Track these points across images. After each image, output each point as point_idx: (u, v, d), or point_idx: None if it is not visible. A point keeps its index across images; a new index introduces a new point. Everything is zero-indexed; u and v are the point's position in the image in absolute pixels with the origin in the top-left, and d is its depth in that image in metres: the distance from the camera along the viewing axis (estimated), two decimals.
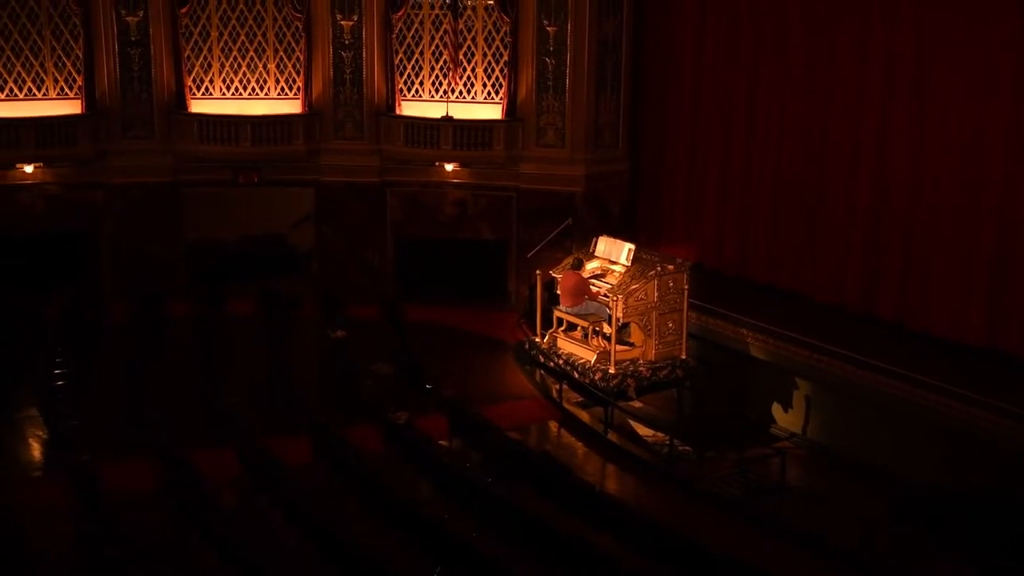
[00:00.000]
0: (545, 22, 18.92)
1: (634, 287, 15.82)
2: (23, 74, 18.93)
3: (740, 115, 18.01)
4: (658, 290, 15.94)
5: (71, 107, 19.08)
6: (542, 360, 16.73)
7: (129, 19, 18.94)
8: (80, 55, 18.99)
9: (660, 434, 14.83)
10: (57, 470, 12.43)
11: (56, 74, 19.13)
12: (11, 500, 11.16)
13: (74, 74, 19.14)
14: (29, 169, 18.78)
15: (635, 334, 16.21)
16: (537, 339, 17.03)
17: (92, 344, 16.19)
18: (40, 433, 13.95)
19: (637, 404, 15.80)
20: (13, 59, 18.84)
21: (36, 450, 13.76)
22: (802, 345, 15.45)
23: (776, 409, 15.65)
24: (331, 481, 12.37)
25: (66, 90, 19.20)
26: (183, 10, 19.21)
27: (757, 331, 16.11)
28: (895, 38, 15.68)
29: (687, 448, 14.38)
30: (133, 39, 19.01)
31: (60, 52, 19.07)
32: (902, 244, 15.82)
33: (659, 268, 16.01)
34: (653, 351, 16.03)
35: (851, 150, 16.40)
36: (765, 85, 17.58)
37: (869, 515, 12.98)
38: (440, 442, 13.54)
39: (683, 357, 16.25)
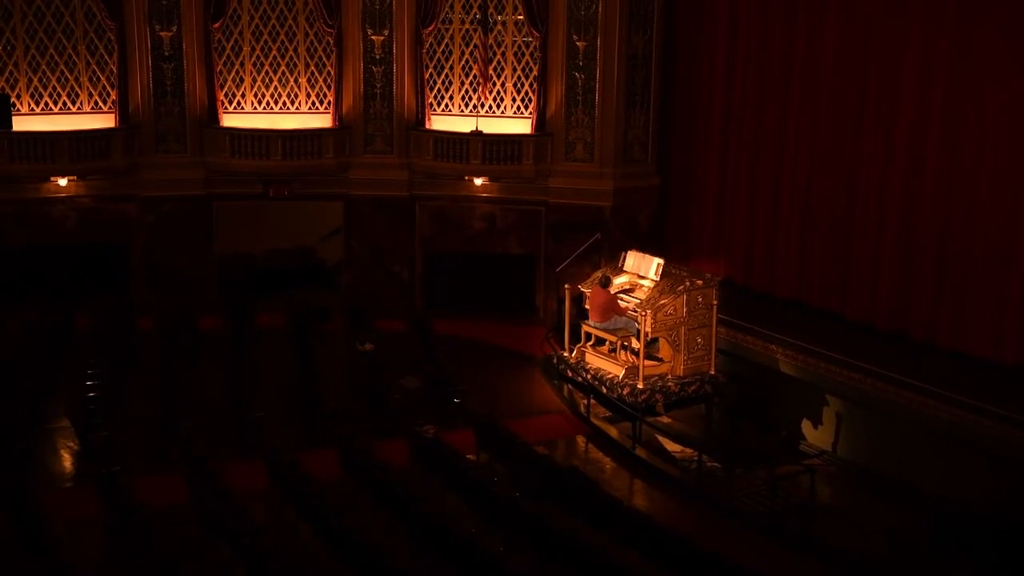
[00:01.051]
0: (575, 37, 18.97)
1: (663, 302, 15.79)
2: (58, 88, 19.17)
3: (770, 130, 17.94)
4: (687, 305, 15.91)
5: (105, 121, 19.30)
6: (570, 375, 16.72)
7: (163, 34, 19.14)
8: (114, 69, 19.20)
9: (688, 450, 14.76)
10: (88, 481, 12.51)
11: (91, 88, 19.35)
12: (43, 510, 11.22)
13: (108, 88, 19.36)
14: (63, 182, 18.99)
15: (664, 349, 16.18)
16: (565, 354, 17.02)
17: (123, 356, 16.30)
18: (72, 444, 14.08)
19: (665, 419, 15.75)
20: (49, 73, 19.06)
21: (68, 461, 13.88)
22: (832, 362, 15.37)
23: (806, 426, 15.55)
24: (359, 494, 12.39)
25: (100, 104, 19.41)
26: (216, 25, 19.39)
27: (786, 347, 16.04)
28: (929, 55, 15.58)
29: (716, 464, 14.32)
30: (166, 54, 19.21)
31: (95, 67, 19.29)
32: (934, 261, 15.69)
33: (688, 283, 15.98)
34: (682, 366, 15.98)
35: (883, 166, 16.31)
36: (796, 101, 17.50)
37: (899, 534, 12.87)
38: (467, 456, 13.53)
39: (712, 372, 16.20)
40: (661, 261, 16.49)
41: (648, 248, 17.45)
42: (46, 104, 19.16)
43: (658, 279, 16.25)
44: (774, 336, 16.31)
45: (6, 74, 18.81)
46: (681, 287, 15.92)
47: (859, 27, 16.48)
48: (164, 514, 11.48)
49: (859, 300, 16.70)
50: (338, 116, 19.90)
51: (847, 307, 16.85)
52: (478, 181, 19.65)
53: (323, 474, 12.46)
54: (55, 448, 14.09)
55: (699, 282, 16.10)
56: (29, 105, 19.02)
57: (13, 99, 18.68)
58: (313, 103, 20.14)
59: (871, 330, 16.34)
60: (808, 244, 17.48)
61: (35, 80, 19.02)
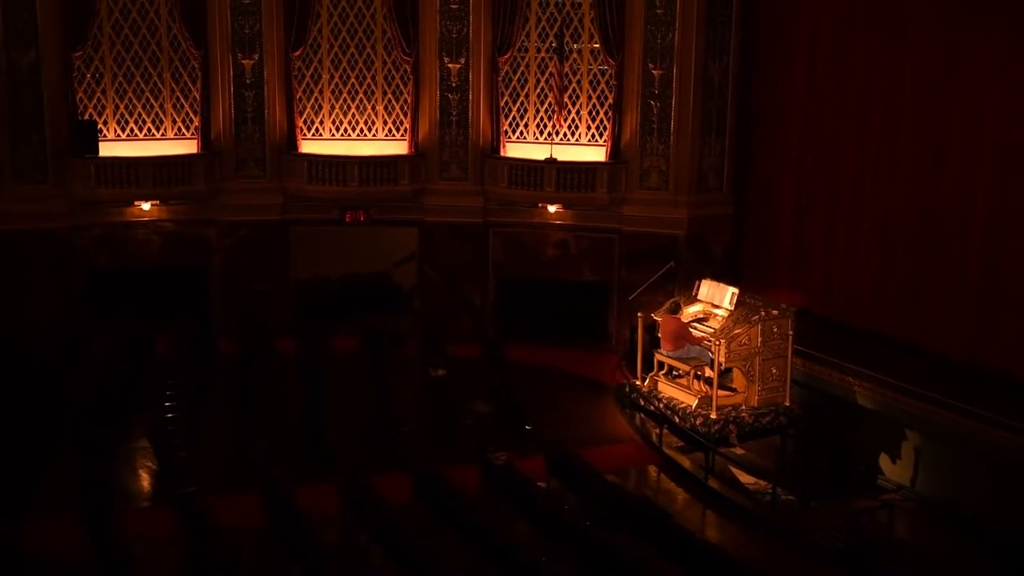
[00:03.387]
0: (651, 65, 18.97)
1: (737, 331, 15.64)
2: (143, 115, 19.65)
3: (848, 159, 17.74)
4: (762, 335, 15.74)
5: (187, 147, 19.74)
6: (642, 403, 16.63)
7: (245, 62, 19.54)
8: (197, 97, 19.65)
9: (762, 482, 14.59)
10: (166, 501, 12.72)
11: (174, 115, 19.81)
12: (122, 528, 11.44)
13: (191, 115, 19.80)
14: (146, 206, 19.43)
15: (738, 379, 16.02)
16: (637, 382, 16.94)
17: (202, 378, 16.57)
18: (151, 464, 14.34)
19: (739, 451, 15.58)
20: (135, 100, 19.56)
21: (147, 480, 14.13)
22: (910, 395, 15.07)
23: (884, 460, 15.27)
24: (430, 519, 12.43)
25: (183, 130, 19.86)
26: (296, 53, 19.74)
27: (864, 379, 15.77)
28: (1014, 84, 15.30)
29: (790, 497, 14.11)
30: (248, 81, 19.61)
31: (179, 94, 19.76)
32: (1015, 293, 15.34)
33: (763, 313, 15.82)
34: (756, 397, 15.81)
35: (964, 195, 16.01)
36: (875, 130, 17.29)
37: (978, 572, 12.55)
38: (538, 483, 13.50)
39: (787, 404, 16.00)
40: (736, 290, 16.35)
41: (722, 277, 17.32)
42: (131, 130, 19.66)
43: (732, 308, 16.11)
44: (851, 368, 16.07)
45: (94, 101, 19.35)
46: (756, 317, 15.76)
47: (940, 59, 16.23)
48: (239, 535, 11.62)
49: (938, 331, 16.37)
50: (414, 143, 20.12)
51: (925, 338, 16.52)
52: (552, 208, 19.69)
53: (395, 498, 12.52)
54: (134, 467, 14.36)
55: (774, 312, 15.93)
56: (115, 131, 19.53)
57: (100, 125, 19.22)
58: (390, 130, 20.39)
59: (949, 362, 16.00)
60: (886, 274, 17.21)
61: (121, 107, 19.53)
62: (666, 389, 16.35)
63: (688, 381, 16.10)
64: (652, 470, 15.32)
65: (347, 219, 20.04)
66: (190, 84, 19.71)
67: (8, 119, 18.49)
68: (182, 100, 19.79)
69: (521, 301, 20.10)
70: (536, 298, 19.98)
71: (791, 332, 15.96)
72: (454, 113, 19.90)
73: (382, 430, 15.01)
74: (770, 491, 14.07)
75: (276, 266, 20.05)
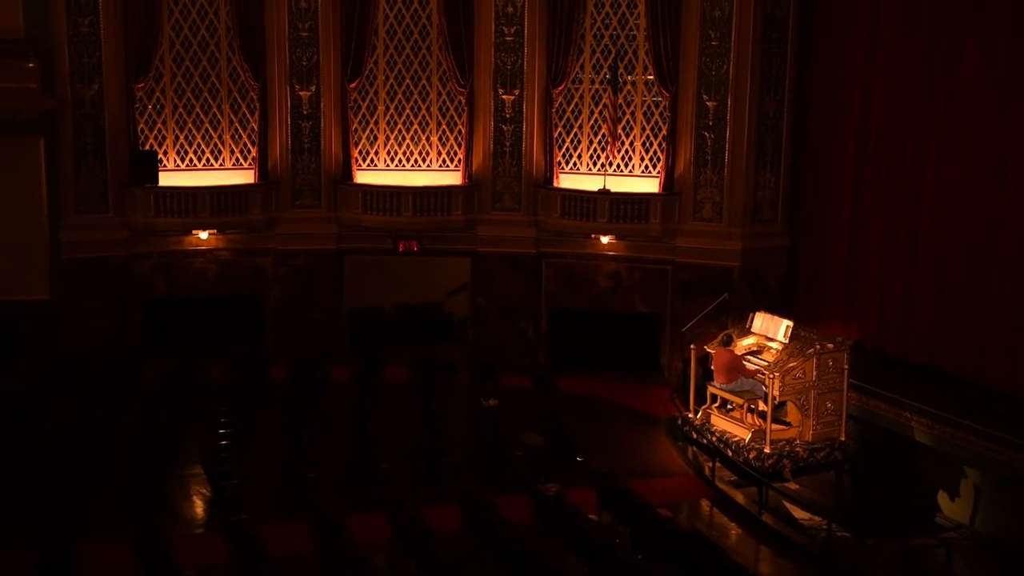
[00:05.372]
0: (705, 97, 18.93)
1: (791, 365, 15.48)
2: (202, 145, 19.98)
3: (905, 192, 17.53)
4: (817, 369, 15.56)
5: (245, 177, 20.03)
6: (695, 436, 16.49)
7: (302, 93, 19.81)
8: (255, 128, 19.94)
9: (817, 518, 14.37)
10: (218, 528, 12.81)
11: (232, 145, 20.12)
12: (175, 554, 11.53)
13: (249, 145, 20.09)
14: (204, 235, 19.70)
15: (792, 413, 15.83)
16: (690, 415, 16.81)
17: (255, 405, 16.72)
18: (204, 490, 14.46)
19: (793, 485, 15.38)
20: (194, 131, 19.90)
21: (200, 507, 14.25)
22: (968, 430, 14.79)
23: (942, 497, 14.98)
24: (480, 550, 12.38)
25: (241, 161, 20.15)
26: (352, 85, 19.98)
27: (921, 414, 15.51)
28: None
29: (846, 534, 13.88)
30: (305, 112, 19.87)
31: (237, 125, 20.08)
32: None
33: (818, 346, 15.64)
34: (810, 431, 15.61)
35: (1022, 228, 15.76)
36: (932, 162, 17.08)
37: None
38: (589, 516, 13.42)
39: (842, 439, 15.77)
40: (790, 323, 16.20)
41: (777, 309, 17.15)
42: (191, 160, 19.99)
43: (787, 341, 15.96)
44: (907, 403, 15.80)
45: (155, 131, 19.71)
46: (811, 350, 15.59)
47: (997, 93, 16.02)
48: (289, 562, 11.68)
49: (996, 366, 16.09)
50: (468, 173, 20.23)
51: (985, 374, 16.24)
52: (605, 239, 19.67)
53: (444, 528, 12.51)
54: (188, 494, 14.50)
55: (830, 345, 15.74)
56: (175, 161, 19.87)
57: (160, 155, 19.56)
58: (444, 161, 20.53)
59: (1009, 397, 15.71)
60: (943, 308, 16.94)
61: (181, 137, 19.87)
62: (719, 422, 16.20)
63: (741, 414, 15.94)
64: (705, 504, 15.17)
65: (400, 249, 20.17)
66: (248, 115, 20.02)
67: (71, 150, 18.90)
68: (240, 131, 20.10)
69: (573, 332, 20.07)
70: (588, 329, 19.94)
71: (846, 366, 15.75)
72: (508, 144, 19.99)
73: (432, 460, 15.01)
74: (825, 527, 13.85)
75: (330, 295, 20.23)
